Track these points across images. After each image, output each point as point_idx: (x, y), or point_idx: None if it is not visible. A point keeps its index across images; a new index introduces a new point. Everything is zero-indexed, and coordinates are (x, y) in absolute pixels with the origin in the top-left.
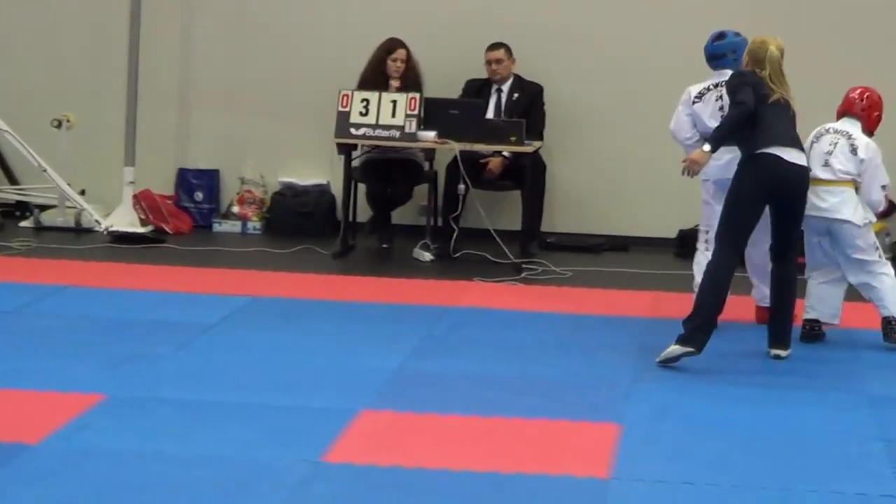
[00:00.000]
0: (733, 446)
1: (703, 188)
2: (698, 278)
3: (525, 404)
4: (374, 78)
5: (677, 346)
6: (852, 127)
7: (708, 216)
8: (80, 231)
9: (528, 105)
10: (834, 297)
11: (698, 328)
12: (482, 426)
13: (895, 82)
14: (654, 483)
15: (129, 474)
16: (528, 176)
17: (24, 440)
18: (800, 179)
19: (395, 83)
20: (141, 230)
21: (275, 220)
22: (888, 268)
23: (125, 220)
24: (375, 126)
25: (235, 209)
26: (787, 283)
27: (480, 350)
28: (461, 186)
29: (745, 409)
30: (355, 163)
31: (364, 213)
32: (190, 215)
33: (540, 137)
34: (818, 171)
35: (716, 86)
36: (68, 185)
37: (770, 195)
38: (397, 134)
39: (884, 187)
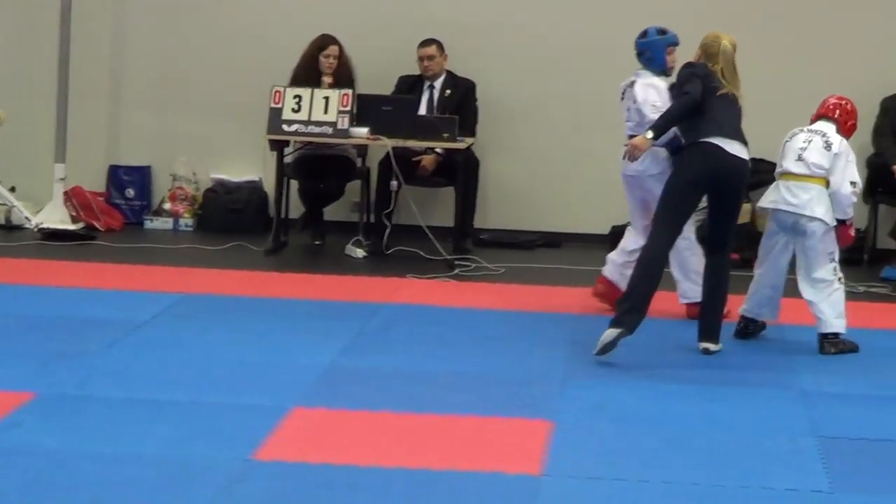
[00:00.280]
0: (665, 442)
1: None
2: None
3: (457, 401)
4: (307, 74)
5: (612, 330)
6: (828, 128)
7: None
8: (10, 228)
9: (461, 101)
10: (774, 296)
11: (630, 309)
12: (414, 423)
13: (850, 78)
14: (585, 479)
15: (59, 473)
16: (460, 172)
17: None
18: (739, 171)
19: (327, 79)
20: (72, 227)
21: (206, 216)
22: (840, 289)
23: (56, 217)
24: (308, 122)
25: (167, 206)
26: (719, 276)
27: (413, 347)
28: (394, 183)
29: (678, 404)
30: (288, 159)
31: (296, 209)
32: (121, 212)
33: (472, 134)
34: (791, 166)
35: (631, 84)
36: None
37: (709, 185)
38: (330, 130)
39: (853, 184)
